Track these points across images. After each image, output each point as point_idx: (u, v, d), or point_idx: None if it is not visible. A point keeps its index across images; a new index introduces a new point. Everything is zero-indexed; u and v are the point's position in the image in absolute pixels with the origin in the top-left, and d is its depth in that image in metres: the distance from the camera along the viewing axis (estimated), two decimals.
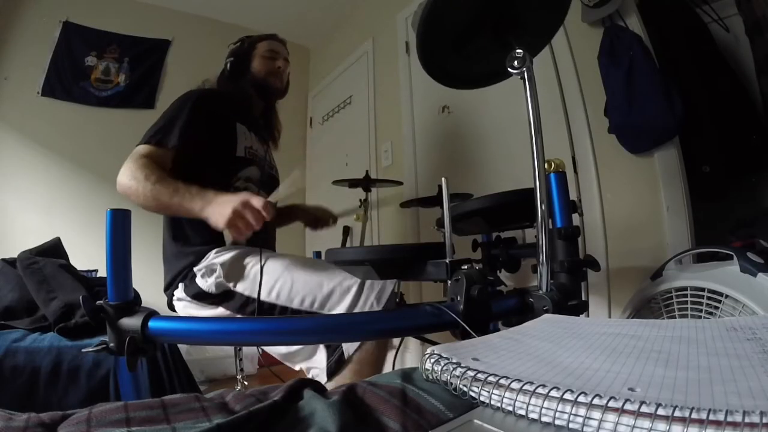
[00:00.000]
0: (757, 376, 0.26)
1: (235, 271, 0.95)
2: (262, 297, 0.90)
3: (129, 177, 0.90)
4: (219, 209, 0.82)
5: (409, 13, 2.22)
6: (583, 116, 1.43)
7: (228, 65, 1.22)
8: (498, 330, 0.52)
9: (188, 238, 1.03)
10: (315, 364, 0.88)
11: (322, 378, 0.85)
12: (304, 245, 3.01)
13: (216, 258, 0.97)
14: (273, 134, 1.32)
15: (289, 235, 1.89)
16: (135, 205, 0.84)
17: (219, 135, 1.08)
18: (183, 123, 0.99)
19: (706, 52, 1.31)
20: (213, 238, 1.03)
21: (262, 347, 0.96)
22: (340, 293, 0.88)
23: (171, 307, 1.06)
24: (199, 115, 1.03)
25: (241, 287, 0.94)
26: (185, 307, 1.01)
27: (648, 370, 0.29)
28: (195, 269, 0.99)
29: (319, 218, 1.35)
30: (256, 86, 1.22)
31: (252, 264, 0.95)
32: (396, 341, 1.00)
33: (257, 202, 0.80)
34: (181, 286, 1.01)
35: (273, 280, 0.91)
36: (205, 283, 0.95)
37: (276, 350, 0.94)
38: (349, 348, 0.84)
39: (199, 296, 0.97)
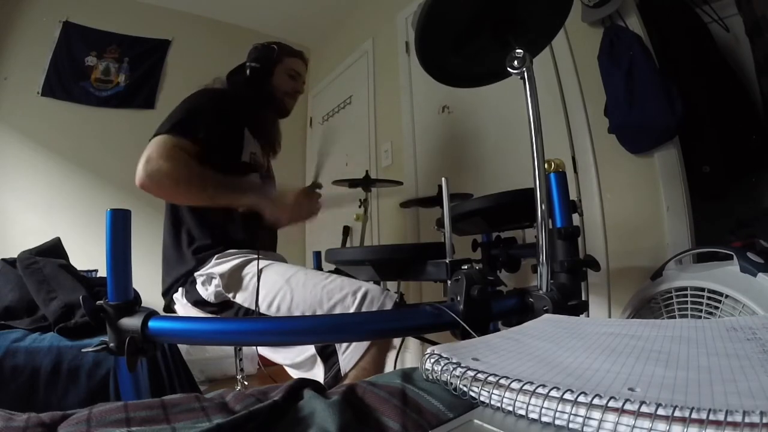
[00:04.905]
0: (757, 376, 0.26)
1: (234, 281, 0.95)
2: (262, 310, 0.90)
3: (165, 157, 0.86)
4: (280, 200, 0.96)
5: (409, 13, 2.22)
6: (583, 116, 1.43)
7: (249, 70, 1.19)
8: (498, 330, 0.52)
9: (190, 242, 1.02)
10: (312, 378, 0.87)
11: None
12: (304, 245, 3.01)
13: (216, 267, 0.97)
14: (274, 144, 1.31)
15: (289, 235, 1.89)
16: (159, 190, 0.87)
17: (228, 137, 1.07)
18: (207, 117, 0.98)
19: (706, 52, 1.30)
20: (215, 242, 1.02)
21: (263, 355, 0.96)
22: (341, 310, 0.87)
23: (169, 310, 1.06)
24: (218, 112, 1.03)
25: (240, 298, 0.94)
26: (185, 312, 1.01)
27: (648, 370, 0.29)
28: (196, 275, 0.98)
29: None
30: (271, 100, 1.21)
31: (251, 275, 0.95)
32: (396, 341, 1.00)
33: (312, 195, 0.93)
34: (181, 290, 1.01)
35: (273, 293, 0.90)
36: (206, 292, 0.95)
37: (276, 360, 0.94)
38: (345, 366, 0.83)
39: (199, 303, 0.97)
